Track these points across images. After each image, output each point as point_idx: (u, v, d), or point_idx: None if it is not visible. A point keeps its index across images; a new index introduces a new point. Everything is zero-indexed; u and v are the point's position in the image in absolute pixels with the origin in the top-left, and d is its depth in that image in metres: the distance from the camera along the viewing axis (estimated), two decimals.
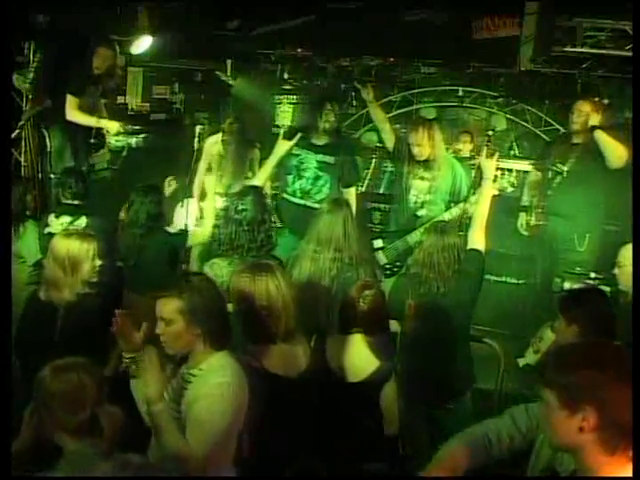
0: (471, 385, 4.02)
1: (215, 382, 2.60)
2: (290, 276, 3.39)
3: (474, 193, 5.21)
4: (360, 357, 3.37)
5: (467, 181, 5.40)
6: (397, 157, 5.47)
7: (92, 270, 3.63)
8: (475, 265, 3.99)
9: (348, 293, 3.47)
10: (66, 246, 3.61)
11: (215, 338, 2.68)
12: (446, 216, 5.15)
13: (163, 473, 2.04)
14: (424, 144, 5.10)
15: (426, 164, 5.23)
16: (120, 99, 7.00)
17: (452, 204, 5.27)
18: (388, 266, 5.36)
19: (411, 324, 3.92)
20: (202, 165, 5.94)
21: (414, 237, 5.12)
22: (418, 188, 5.31)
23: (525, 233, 5.75)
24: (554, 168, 5.38)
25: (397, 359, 4.14)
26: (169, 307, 2.66)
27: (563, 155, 5.39)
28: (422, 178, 5.28)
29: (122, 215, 4.69)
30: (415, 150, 5.14)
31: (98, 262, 3.65)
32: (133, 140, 6.07)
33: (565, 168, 5.33)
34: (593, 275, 4.99)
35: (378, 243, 5.45)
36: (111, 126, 5.93)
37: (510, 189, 5.17)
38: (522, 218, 5.71)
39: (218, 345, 2.69)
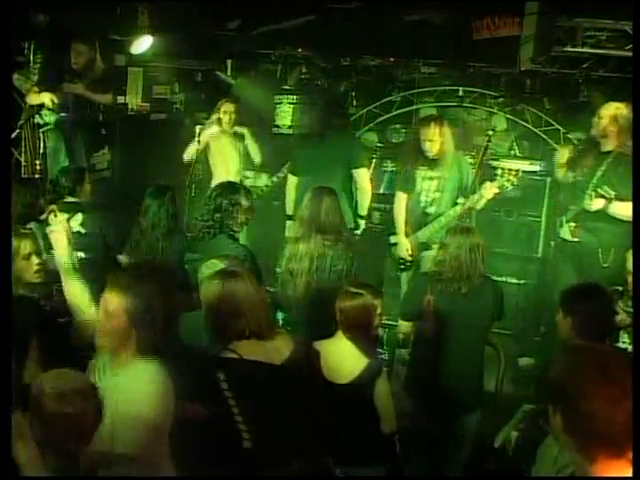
0: (480, 402, 4.00)
1: (143, 382, 2.66)
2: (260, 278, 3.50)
3: (474, 192, 5.25)
4: (349, 356, 3.39)
5: (472, 177, 5.47)
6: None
7: (26, 271, 3.46)
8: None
9: (340, 297, 3.50)
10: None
11: (147, 345, 2.72)
12: (451, 213, 5.26)
13: None
14: (435, 140, 5.17)
15: (434, 162, 5.27)
16: (120, 99, 6.99)
17: (459, 200, 5.37)
18: (402, 261, 5.53)
19: (428, 320, 3.92)
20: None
21: (425, 233, 5.30)
22: (427, 188, 5.36)
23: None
24: (600, 191, 4.90)
25: (410, 353, 4.18)
26: (116, 301, 2.70)
27: (593, 165, 5.05)
28: (431, 178, 5.33)
29: (140, 219, 4.69)
30: (426, 145, 5.20)
31: (35, 261, 3.49)
32: (53, 118, 6.04)
33: (613, 193, 4.88)
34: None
35: (393, 239, 5.63)
36: (44, 99, 5.91)
37: (510, 187, 5.21)
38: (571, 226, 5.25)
39: (147, 352, 2.72)
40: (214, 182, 6.57)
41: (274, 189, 6.98)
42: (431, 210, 5.39)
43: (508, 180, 5.15)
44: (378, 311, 3.48)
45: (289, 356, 3.02)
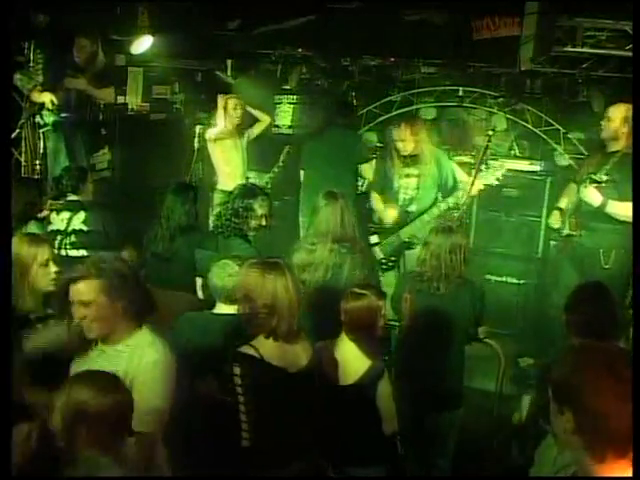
0: (459, 404, 3.99)
1: (148, 361, 2.73)
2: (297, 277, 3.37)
3: (456, 189, 5.27)
4: (351, 358, 3.37)
5: (452, 172, 5.44)
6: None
7: (42, 278, 3.23)
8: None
9: (339, 299, 3.48)
10: (17, 250, 3.22)
11: (136, 313, 2.81)
12: (435, 211, 5.25)
13: None
14: (407, 140, 5.18)
15: (412, 159, 5.28)
16: (120, 99, 7.00)
17: (440, 197, 5.37)
18: (384, 261, 5.54)
19: (407, 319, 3.94)
20: None
21: (407, 232, 5.28)
22: (405, 185, 5.36)
23: (555, 226, 5.38)
24: (593, 177, 4.87)
25: (393, 355, 4.19)
26: (88, 288, 2.74)
27: (597, 165, 5.01)
28: (408, 175, 5.33)
29: (161, 213, 4.81)
30: (399, 145, 5.22)
31: (53, 269, 3.26)
32: (52, 119, 6.06)
33: (605, 177, 4.87)
34: None
35: (374, 239, 5.59)
36: (44, 99, 5.92)
37: (495, 183, 5.22)
38: (555, 216, 5.31)
39: (139, 320, 2.83)
40: (219, 182, 6.61)
41: (274, 188, 6.99)
42: (412, 208, 5.39)
43: (493, 175, 5.16)
44: (382, 312, 3.48)
45: (306, 365, 2.99)
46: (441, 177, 5.39)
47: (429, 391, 3.88)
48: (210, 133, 6.49)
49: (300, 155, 6.46)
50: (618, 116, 4.93)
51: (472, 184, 5.31)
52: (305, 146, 6.46)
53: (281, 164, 6.83)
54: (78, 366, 2.82)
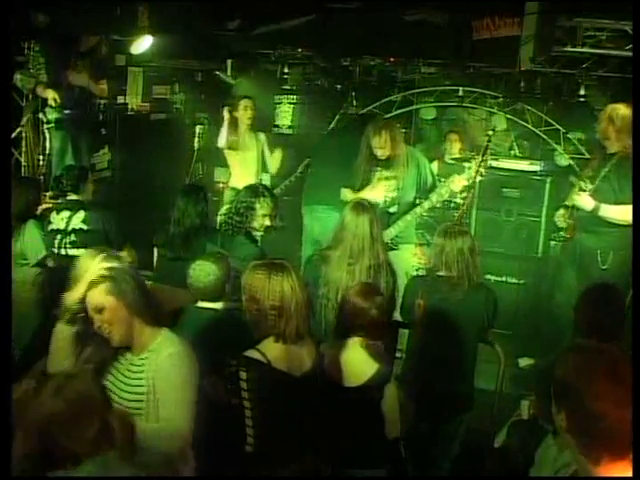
0: (471, 406, 3.98)
1: (165, 355, 2.78)
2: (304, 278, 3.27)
3: (435, 186, 5.26)
4: (359, 361, 3.35)
5: (430, 171, 5.44)
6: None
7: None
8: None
9: (352, 298, 3.41)
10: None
11: (149, 313, 2.84)
12: (417, 210, 5.23)
13: None
14: (386, 146, 5.17)
15: (388, 163, 5.27)
16: (120, 99, 7.01)
17: (420, 196, 5.32)
18: None
19: (420, 324, 3.91)
20: None
21: (390, 233, 5.21)
22: (385, 188, 5.35)
23: (562, 225, 5.32)
24: (582, 185, 4.87)
25: (404, 360, 4.16)
26: (97, 293, 2.78)
27: (597, 167, 4.98)
28: (387, 178, 5.33)
29: (175, 214, 4.78)
30: (378, 152, 5.21)
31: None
32: (54, 116, 6.07)
33: (590, 186, 4.86)
34: None
35: None
36: (48, 94, 5.94)
37: (479, 178, 5.22)
38: (561, 214, 5.22)
39: (154, 320, 2.86)
40: (232, 182, 6.59)
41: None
42: (393, 209, 5.36)
43: (476, 171, 5.17)
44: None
45: (311, 367, 2.98)
46: (420, 176, 5.36)
47: (444, 396, 3.85)
48: (219, 143, 6.44)
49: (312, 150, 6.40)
50: (604, 117, 4.90)
51: (473, 184, 5.31)
52: (318, 142, 6.42)
53: (299, 174, 6.78)
54: (110, 379, 2.85)
